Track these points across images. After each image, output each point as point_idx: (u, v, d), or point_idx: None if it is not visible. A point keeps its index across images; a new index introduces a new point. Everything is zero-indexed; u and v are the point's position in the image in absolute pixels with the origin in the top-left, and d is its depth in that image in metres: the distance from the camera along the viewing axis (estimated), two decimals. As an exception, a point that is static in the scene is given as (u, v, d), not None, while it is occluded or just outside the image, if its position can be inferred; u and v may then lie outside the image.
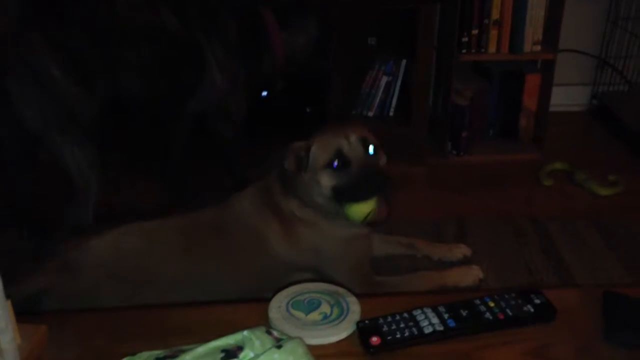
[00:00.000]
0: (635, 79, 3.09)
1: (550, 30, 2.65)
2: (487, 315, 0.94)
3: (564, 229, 2.22)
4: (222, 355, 0.78)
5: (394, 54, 2.81)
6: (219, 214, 1.74)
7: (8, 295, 0.85)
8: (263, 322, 0.94)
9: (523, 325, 0.94)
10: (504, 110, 2.88)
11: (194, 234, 1.69)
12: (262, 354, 0.77)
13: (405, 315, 0.95)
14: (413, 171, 2.63)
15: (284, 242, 1.69)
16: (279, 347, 0.78)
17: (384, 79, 2.81)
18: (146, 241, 1.64)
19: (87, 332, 0.97)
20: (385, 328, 0.92)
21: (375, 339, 0.90)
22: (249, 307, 1.03)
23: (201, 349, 0.79)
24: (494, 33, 2.63)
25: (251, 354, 0.78)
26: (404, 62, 2.79)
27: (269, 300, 0.99)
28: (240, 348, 0.79)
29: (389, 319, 0.94)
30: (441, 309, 0.96)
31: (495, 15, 2.60)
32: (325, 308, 0.98)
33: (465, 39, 2.62)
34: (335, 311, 0.97)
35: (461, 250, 2.04)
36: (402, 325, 0.93)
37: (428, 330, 0.92)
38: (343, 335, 0.94)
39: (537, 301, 0.97)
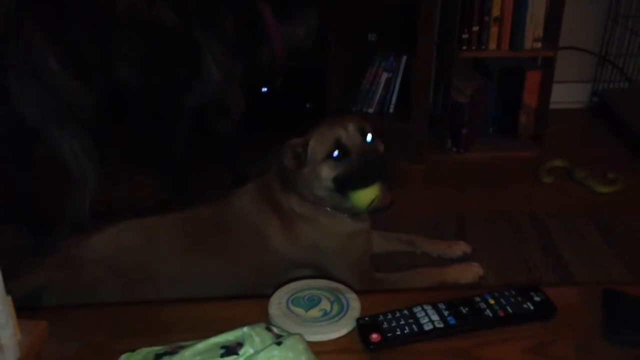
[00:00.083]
0: (636, 77, 3.09)
1: (551, 27, 2.64)
2: (487, 312, 0.94)
3: (564, 226, 2.22)
4: (222, 351, 0.78)
5: (395, 51, 2.80)
6: (219, 210, 1.74)
7: (8, 291, 0.85)
8: (263, 318, 0.94)
9: (523, 323, 0.94)
10: (504, 107, 2.87)
11: (194, 230, 1.69)
12: (262, 350, 0.77)
13: (405, 312, 0.95)
14: (413, 168, 2.63)
15: (283, 238, 1.69)
16: (279, 343, 0.78)
17: (384, 76, 2.80)
18: (146, 237, 1.65)
19: (87, 328, 0.97)
20: (385, 325, 0.92)
21: (375, 336, 0.90)
22: (248, 303, 1.03)
23: (201, 345, 0.79)
24: (494, 30, 2.63)
25: (251, 351, 0.78)
26: (404, 58, 2.78)
27: (268, 296, 0.99)
28: (240, 344, 0.79)
29: (389, 315, 0.94)
30: (441, 306, 0.95)
31: (495, 12, 2.60)
32: (325, 305, 0.98)
33: (465, 36, 2.62)
34: (335, 308, 0.97)
35: (461, 248, 2.04)
36: (402, 322, 0.93)
37: (428, 327, 0.92)
38: (343, 332, 0.94)
39: (537, 299, 0.97)
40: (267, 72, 2.39)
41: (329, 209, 1.70)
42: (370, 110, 2.82)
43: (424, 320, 0.93)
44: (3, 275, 0.83)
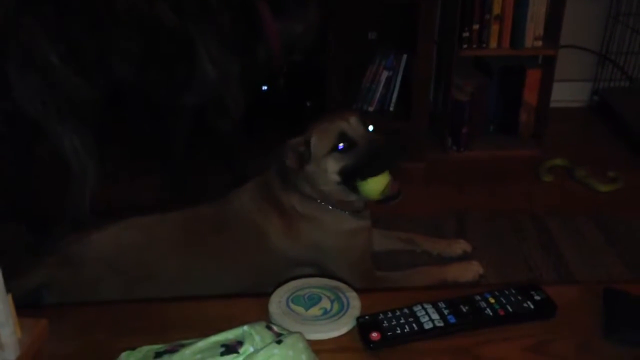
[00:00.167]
0: (636, 75, 3.09)
1: (552, 25, 2.64)
2: (488, 311, 0.94)
3: (564, 225, 2.22)
4: (222, 350, 0.78)
5: (395, 49, 2.80)
6: (219, 209, 1.74)
7: (8, 289, 0.85)
8: (263, 317, 0.94)
9: (523, 322, 0.94)
10: (505, 105, 2.87)
11: (194, 229, 1.69)
12: (262, 349, 0.77)
13: (406, 310, 0.95)
14: (413, 166, 2.63)
15: (284, 237, 1.69)
16: (279, 342, 0.78)
17: (385, 74, 2.80)
18: (146, 236, 1.65)
19: (87, 326, 0.97)
20: (385, 323, 0.92)
21: (375, 335, 0.90)
22: (249, 302, 1.02)
23: (201, 344, 0.79)
24: (495, 28, 2.62)
25: (251, 349, 0.78)
26: (404, 56, 2.78)
27: (269, 295, 0.99)
28: (240, 343, 0.79)
29: (389, 314, 0.94)
30: (441, 304, 0.95)
31: (496, 10, 2.60)
32: (325, 303, 0.98)
33: (466, 34, 2.62)
34: (336, 306, 0.97)
35: (461, 246, 2.04)
36: (402, 320, 0.93)
37: (428, 325, 0.92)
38: (343, 330, 0.94)
39: (538, 297, 0.97)
40: (265, 69, 2.37)
41: (330, 206, 1.70)
42: (371, 109, 2.82)
43: (424, 319, 0.93)
44: (3, 274, 0.83)
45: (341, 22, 2.59)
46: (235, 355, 0.77)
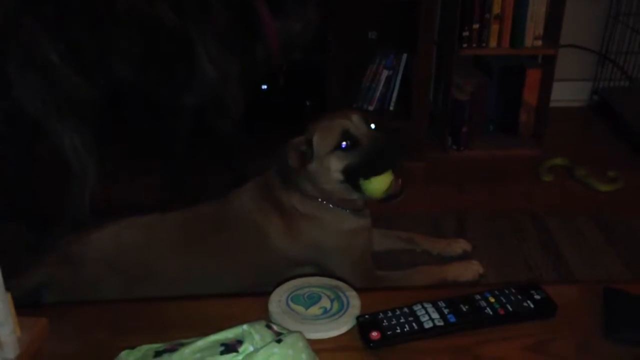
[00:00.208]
0: (636, 75, 3.09)
1: (552, 25, 2.64)
2: (488, 310, 0.94)
3: (564, 224, 2.22)
4: (222, 349, 0.78)
5: (395, 48, 2.80)
6: (219, 208, 1.74)
7: (8, 288, 0.85)
8: (263, 316, 0.94)
9: (523, 321, 0.94)
10: (504, 105, 2.87)
11: (194, 228, 1.69)
12: (261, 348, 0.77)
13: (406, 310, 0.95)
14: (413, 166, 2.63)
15: (284, 236, 1.69)
16: (279, 341, 0.78)
17: (385, 73, 2.80)
18: (146, 235, 1.64)
19: (87, 325, 0.97)
20: (385, 323, 0.92)
21: (375, 334, 0.90)
22: (248, 301, 1.02)
23: (201, 343, 0.79)
24: (495, 27, 2.62)
25: (251, 348, 0.78)
26: (404, 56, 2.78)
27: (268, 294, 0.99)
28: (239, 342, 0.79)
29: (389, 313, 0.94)
30: (441, 304, 0.95)
31: (496, 9, 2.60)
32: (325, 302, 0.97)
33: (466, 34, 2.61)
34: (335, 305, 0.97)
35: (461, 245, 2.04)
36: (402, 320, 0.93)
37: (428, 325, 0.92)
38: (343, 329, 0.94)
39: (538, 297, 0.97)
40: (265, 68, 2.36)
41: (331, 205, 1.69)
42: (371, 108, 2.82)
43: (424, 318, 0.93)
44: (3, 273, 0.83)
45: (341, 21, 2.59)
46: (234, 354, 0.77)
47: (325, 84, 2.68)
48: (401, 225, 2.12)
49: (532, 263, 2.02)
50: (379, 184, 1.59)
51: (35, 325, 0.92)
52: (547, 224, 2.23)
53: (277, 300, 0.98)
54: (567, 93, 3.10)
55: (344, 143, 1.60)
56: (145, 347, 0.83)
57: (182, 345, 0.80)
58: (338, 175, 1.62)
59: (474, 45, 2.64)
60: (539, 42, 2.65)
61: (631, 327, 0.92)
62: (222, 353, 0.77)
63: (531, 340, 0.92)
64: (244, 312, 0.95)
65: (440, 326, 0.92)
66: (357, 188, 1.63)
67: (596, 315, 0.95)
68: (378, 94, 2.82)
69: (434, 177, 2.60)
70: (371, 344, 0.90)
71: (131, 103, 2.27)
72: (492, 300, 0.96)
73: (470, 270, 1.90)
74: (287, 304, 0.97)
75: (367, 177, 1.59)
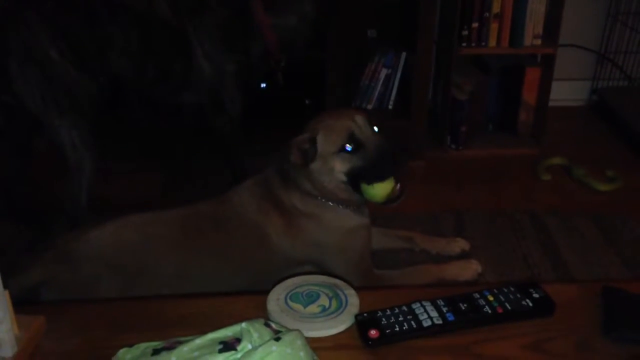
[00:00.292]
0: (635, 75, 3.09)
1: (551, 24, 2.64)
2: (486, 309, 0.94)
3: (563, 224, 2.22)
4: (220, 347, 0.78)
5: (394, 47, 2.80)
6: (218, 207, 1.73)
7: (6, 286, 0.85)
8: (261, 314, 0.94)
9: (522, 320, 0.94)
10: (504, 104, 2.87)
11: (193, 226, 1.69)
12: (260, 346, 0.77)
13: (404, 308, 0.94)
14: (412, 165, 2.63)
15: (284, 235, 1.69)
16: (277, 339, 0.78)
17: (384, 72, 2.80)
18: (145, 233, 1.64)
19: (85, 323, 0.97)
20: (383, 321, 0.92)
21: (373, 332, 0.90)
22: (247, 299, 1.02)
23: (199, 341, 0.79)
24: (494, 26, 2.62)
25: (249, 346, 0.77)
26: (403, 54, 2.78)
27: (267, 292, 0.99)
28: (238, 340, 0.79)
29: (388, 312, 0.94)
30: (440, 302, 0.95)
31: (495, 8, 2.60)
32: (323, 301, 0.97)
33: (465, 32, 2.61)
34: (334, 304, 0.97)
35: (459, 244, 2.04)
36: (400, 318, 0.93)
37: (427, 323, 0.92)
38: (341, 328, 0.94)
39: (536, 295, 0.97)
40: (262, 65, 2.33)
41: (331, 203, 1.69)
42: (370, 107, 2.82)
43: (423, 317, 0.93)
44: (1, 271, 0.82)
45: (340, 19, 2.58)
46: (233, 352, 0.77)
47: (325, 83, 2.67)
48: (400, 224, 2.13)
49: (531, 262, 2.02)
50: (381, 191, 1.60)
51: (33, 323, 0.92)
52: (545, 223, 2.23)
53: (275, 299, 0.98)
54: (566, 92, 3.10)
55: (348, 146, 1.59)
56: (143, 345, 0.83)
57: (181, 343, 0.80)
58: (341, 176, 1.63)
59: (473, 44, 2.64)
60: (538, 42, 2.65)
61: (630, 326, 0.92)
62: (220, 351, 0.77)
63: (530, 339, 0.92)
64: (242, 310, 0.95)
65: (439, 325, 0.92)
66: (358, 190, 1.63)
67: (595, 314, 0.95)
68: (377, 92, 2.82)
69: (432, 176, 2.60)
70: (370, 343, 0.90)
71: (129, 100, 2.26)
72: (491, 298, 0.96)
73: (469, 269, 1.90)
74: (286, 302, 0.97)
75: (370, 182, 1.59)
